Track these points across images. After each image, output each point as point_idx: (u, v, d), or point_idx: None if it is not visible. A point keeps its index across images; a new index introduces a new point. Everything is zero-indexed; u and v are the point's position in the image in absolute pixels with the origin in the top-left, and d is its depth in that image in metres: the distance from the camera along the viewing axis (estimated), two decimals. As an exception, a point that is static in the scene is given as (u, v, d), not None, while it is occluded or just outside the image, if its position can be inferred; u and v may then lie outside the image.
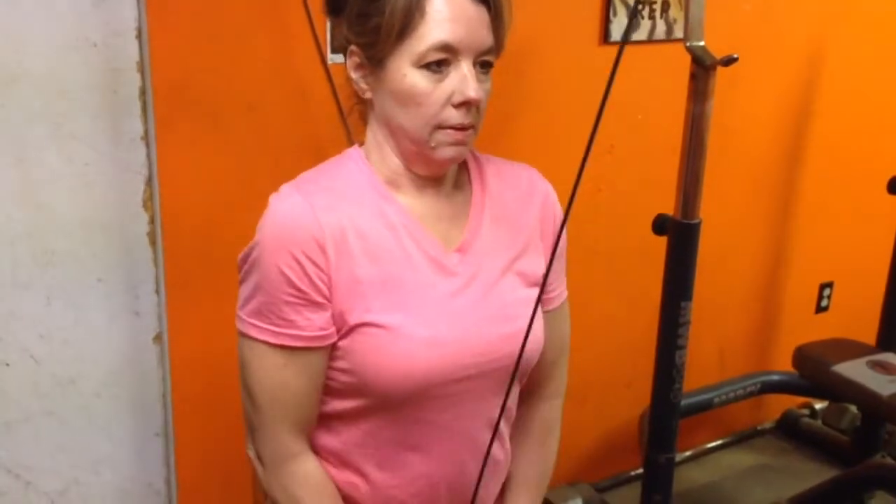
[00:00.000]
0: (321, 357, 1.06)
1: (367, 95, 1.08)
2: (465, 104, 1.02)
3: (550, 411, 1.26)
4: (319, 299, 1.03)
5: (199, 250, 1.78)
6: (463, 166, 1.15)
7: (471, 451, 1.13)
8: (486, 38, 1.02)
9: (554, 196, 1.21)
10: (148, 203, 1.74)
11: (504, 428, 1.18)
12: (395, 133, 1.06)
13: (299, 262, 1.01)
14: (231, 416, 1.94)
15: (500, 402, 1.14)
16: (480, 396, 1.11)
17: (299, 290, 1.02)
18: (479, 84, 1.02)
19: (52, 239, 1.67)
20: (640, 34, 2.27)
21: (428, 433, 1.09)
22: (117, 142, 1.69)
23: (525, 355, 1.13)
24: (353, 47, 1.06)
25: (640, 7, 2.25)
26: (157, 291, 1.79)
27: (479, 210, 1.13)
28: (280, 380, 1.05)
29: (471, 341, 1.07)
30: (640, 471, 2.37)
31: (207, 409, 1.88)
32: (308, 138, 1.83)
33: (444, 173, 1.11)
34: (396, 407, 1.07)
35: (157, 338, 1.82)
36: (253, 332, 1.05)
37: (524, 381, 1.21)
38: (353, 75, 1.08)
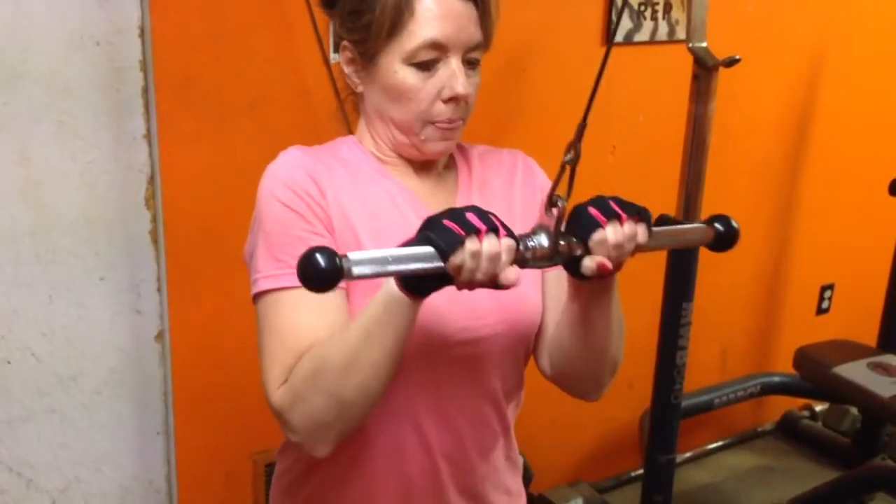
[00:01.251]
0: (338, 298, 1.02)
1: (360, 89, 1.11)
2: (454, 99, 1.05)
3: None
4: (325, 233, 1.03)
5: (200, 249, 1.78)
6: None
7: (468, 422, 1.12)
8: (474, 34, 1.05)
9: (538, 167, 1.23)
10: (150, 201, 1.74)
11: (503, 401, 1.16)
12: (386, 124, 1.09)
13: (300, 197, 1.02)
14: (232, 414, 1.95)
15: (498, 373, 1.13)
16: (476, 365, 1.10)
17: (306, 220, 1.02)
18: (467, 79, 1.05)
19: (55, 237, 1.67)
20: (643, 35, 2.27)
21: (422, 400, 1.08)
22: (120, 140, 1.69)
23: (521, 323, 1.13)
24: (345, 42, 1.09)
25: (642, 8, 2.25)
26: (159, 290, 1.79)
27: (466, 187, 1.16)
28: (293, 321, 1.01)
29: (465, 306, 1.07)
30: (641, 471, 2.37)
31: (208, 407, 1.88)
32: (310, 137, 1.82)
33: (434, 159, 1.13)
34: None
35: (159, 336, 1.82)
36: (267, 284, 1.02)
37: (528, 351, 1.19)
38: (346, 70, 1.10)
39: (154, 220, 1.75)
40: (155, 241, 1.76)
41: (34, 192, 1.64)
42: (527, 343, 1.16)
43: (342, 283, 1.00)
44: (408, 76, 1.03)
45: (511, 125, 2.15)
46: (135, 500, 1.90)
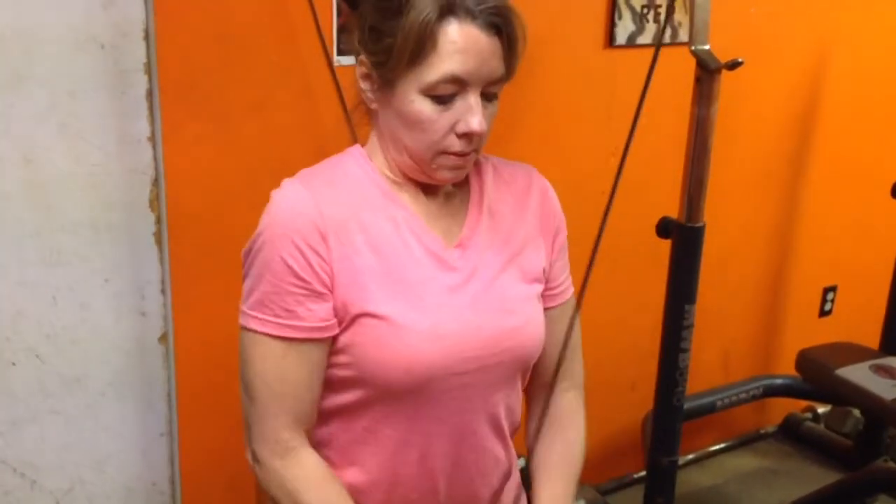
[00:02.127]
0: (321, 349, 1.06)
1: (374, 106, 1.09)
2: (468, 135, 1.03)
3: (570, 402, 1.26)
4: (321, 289, 1.04)
5: (205, 251, 1.79)
6: None
7: (470, 446, 1.13)
8: (496, 69, 1.03)
9: (552, 192, 1.23)
10: (154, 203, 1.75)
11: (505, 425, 1.18)
12: (398, 147, 1.08)
13: (301, 251, 1.02)
14: (236, 415, 1.94)
15: (502, 398, 1.14)
16: (481, 391, 1.11)
17: (301, 279, 1.03)
18: (484, 112, 1.03)
19: (59, 239, 1.68)
20: (645, 38, 2.28)
21: (427, 428, 1.10)
22: (124, 142, 1.70)
23: (526, 350, 1.14)
24: (362, 58, 1.07)
25: (645, 10, 2.26)
26: (163, 291, 1.80)
27: (476, 208, 1.15)
28: (279, 372, 1.05)
29: (471, 334, 1.08)
30: (643, 473, 2.37)
31: (212, 409, 1.89)
32: (314, 139, 1.84)
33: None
34: (397, 400, 1.07)
35: (163, 338, 1.83)
36: (254, 325, 1.05)
37: (527, 376, 1.21)
38: (361, 84, 1.09)
39: (158, 222, 1.76)
40: (159, 243, 1.77)
41: (39, 193, 1.64)
42: (527, 370, 1.19)
43: (324, 334, 1.05)
44: (424, 107, 1.02)
45: (514, 128, 2.16)
46: (138, 500, 1.90)
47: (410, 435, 1.09)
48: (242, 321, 1.07)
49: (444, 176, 1.08)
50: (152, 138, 1.71)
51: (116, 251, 1.74)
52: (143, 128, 1.70)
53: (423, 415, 1.09)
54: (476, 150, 1.07)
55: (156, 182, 1.74)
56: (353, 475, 1.12)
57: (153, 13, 1.63)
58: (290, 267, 1.02)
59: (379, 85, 1.06)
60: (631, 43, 2.26)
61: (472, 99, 1.02)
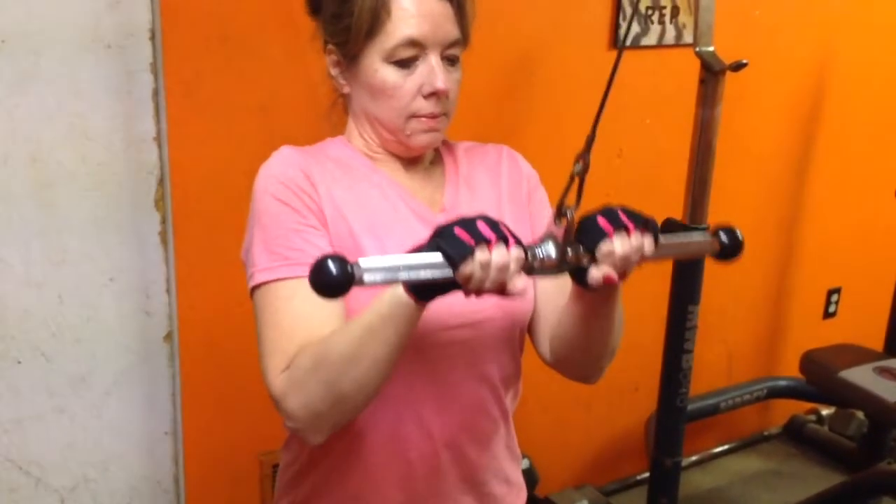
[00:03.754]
0: None
1: (346, 90, 1.14)
2: (434, 95, 1.08)
3: None
4: (319, 225, 1.06)
5: (209, 250, 1.79)
6: (434, 149, 1.20)
7: (467, 409, 1.14)
8: (451, 31, 1.08)
9: (521, 157, 1.26)
10: (160, 203, 1.75)
11: (500, 387, 1.17)
12: (372, 123, 1.13)
13: (292, 191, 1.05)
14: (240, 414, 1.96)
15: (493, 357, 1.14)
16: (472, 351, 1.12)
17: (299, 212, 1.05)
18: (447, 74, 1.08)
19: (66, 238, 1.69)
20: (650, 39, 2.28)
21: (422, 389, 1.10)
22: (130, 142, 1.70)
23: (517, 309, 1.14)
24: (330, 46, 1.12)
25: (650, 12, 2.26)
26: (168, 291, 1.80)
27: (454, 180, 1.19)
28: (289, 310, 1.02)
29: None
30: (647, 475, 2.38)
31: (217, 407, 1.89)
32: (319, 139, 1.84)
33: (421, 154, 1.16)
34: None
35: (168, 337, 1.83)
36: (263, 277, 1.04)
37: (522, 340, 1.20)
38: (332, 72, 1.14)
39: (163, 221, 1.76)
40: (164, 243, 1.78)
41: (45, 193, 1.65)
42: (521, 328, 1.18)
43: None
44: (388, 74, 1.07)
45: (520, 128, 2.16)
46: (143, 499, 1.91)
47: (405, 394, 1.09)
48: (251, 283, 1.05)
49: (420, 141, 1.11)
50: (158, 138, 1.72)
51: (122, 250, 1.75)
52: (149, 128, 1.71)
53: (414, 373, 1.09)
54: (446, 115, 1.11)
55: (161, 182, 1.74)
56: (355, 435, 1.11)
57: (159, 14, 1.64)
58: (286, 204, 1.05)
59: (346, 65, 1.11)
60: (636, 44, 2.26)
61: (433, 60, 1.07)
